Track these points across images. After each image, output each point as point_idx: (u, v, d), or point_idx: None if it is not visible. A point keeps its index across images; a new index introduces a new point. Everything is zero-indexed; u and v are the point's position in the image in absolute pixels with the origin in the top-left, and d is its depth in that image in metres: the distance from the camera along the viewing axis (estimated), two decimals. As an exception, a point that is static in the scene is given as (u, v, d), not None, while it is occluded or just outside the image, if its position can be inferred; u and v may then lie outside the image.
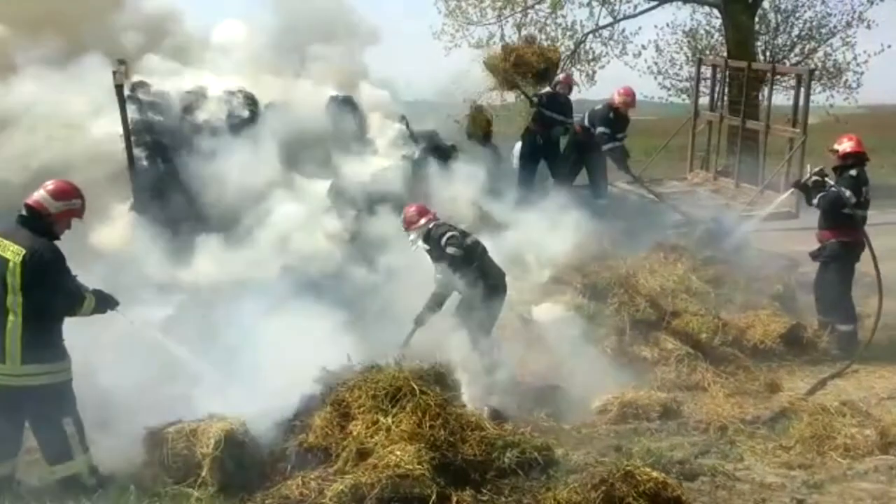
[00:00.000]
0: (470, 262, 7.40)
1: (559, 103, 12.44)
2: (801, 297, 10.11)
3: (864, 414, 6.97)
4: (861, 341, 8.76)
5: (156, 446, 5.75)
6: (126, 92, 9.52)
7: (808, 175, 9.04)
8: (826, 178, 8.94)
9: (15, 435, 5.64)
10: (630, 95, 11.94)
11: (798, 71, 14.63)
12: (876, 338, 8.85)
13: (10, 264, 5.40)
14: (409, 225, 7.71)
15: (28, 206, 5.58)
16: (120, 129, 9.24)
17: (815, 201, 8.99)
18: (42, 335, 5.50)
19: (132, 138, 9.32)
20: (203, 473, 5.53)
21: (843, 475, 5.80)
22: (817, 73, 19.88)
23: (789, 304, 9.76)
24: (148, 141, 9.66)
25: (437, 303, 7.58)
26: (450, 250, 7.33)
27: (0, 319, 5.43)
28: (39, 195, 5.61)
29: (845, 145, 8.97)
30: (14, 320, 5.41)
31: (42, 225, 5.57)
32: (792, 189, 9.68)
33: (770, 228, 12.55)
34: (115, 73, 9.93)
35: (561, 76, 13.14)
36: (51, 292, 5.48)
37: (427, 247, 7.55)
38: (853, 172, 8.91)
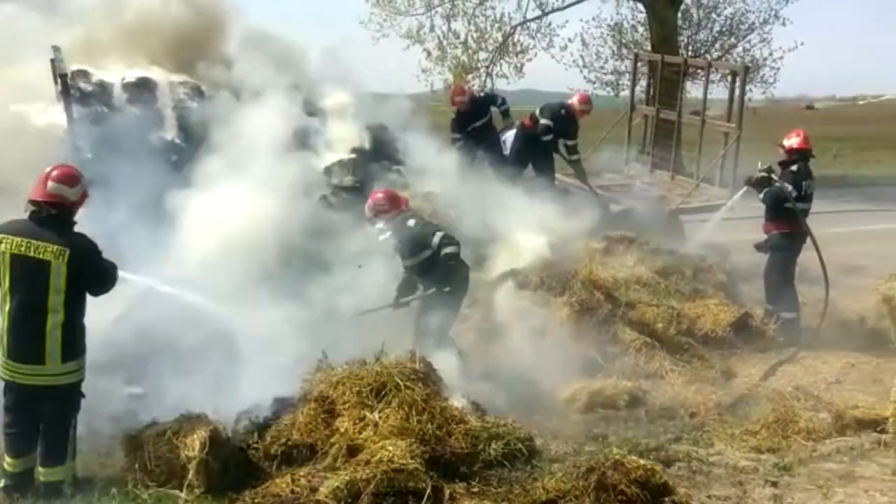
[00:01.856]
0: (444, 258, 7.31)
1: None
2: (740, 286, 10.57)
3: (816, 398, 7.36)
4: (805, 328, 9.17)
5: (136, 449, 5.62)
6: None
7: (761, 169, 9.40)
8: (772, 175, 9.30)
9: (36, 430, 5.54)
10: (590, 104, 12.42)
11: (734, 67, 15.15)
12: (817, 324, 9.32)
13: (53, 265, 5.26)
14: (377, 213, 7.36)
15: (47, 202, 5.36)
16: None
17: (760, 196, 9.38)
18: (77, 330, 5.46)
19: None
20: (189, 476, 5.42)
21: (810, 457, 6.08)
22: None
23: (732, 293, 10.15)
24: (92, 132, 9.29)
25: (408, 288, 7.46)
26: (448, 250, 7.20)
27: (39, 322, 5.29)
28: (54, 187, 5.38)
29: (792, 141, 9.39)
30: (54, 319, 5.30)
31: (66, 216, 5.43)
32: (746, 187, 9.98)
33: (699, 220, 13.07)
34: (53, 61, 9.56)
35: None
36: (99, 280, 5.49)
37: (394, 240, 7.31)
38: (794, 168, 9.33)
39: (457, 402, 6.40)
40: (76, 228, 5.51)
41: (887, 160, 27.59)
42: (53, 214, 5.36)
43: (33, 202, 5.38)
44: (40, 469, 5.50)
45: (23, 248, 5.27)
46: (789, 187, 9.18)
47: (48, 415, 5.48)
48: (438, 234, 7.27)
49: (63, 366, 5.38)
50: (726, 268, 10.77)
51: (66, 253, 5.27)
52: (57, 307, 5.31)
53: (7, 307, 5.33)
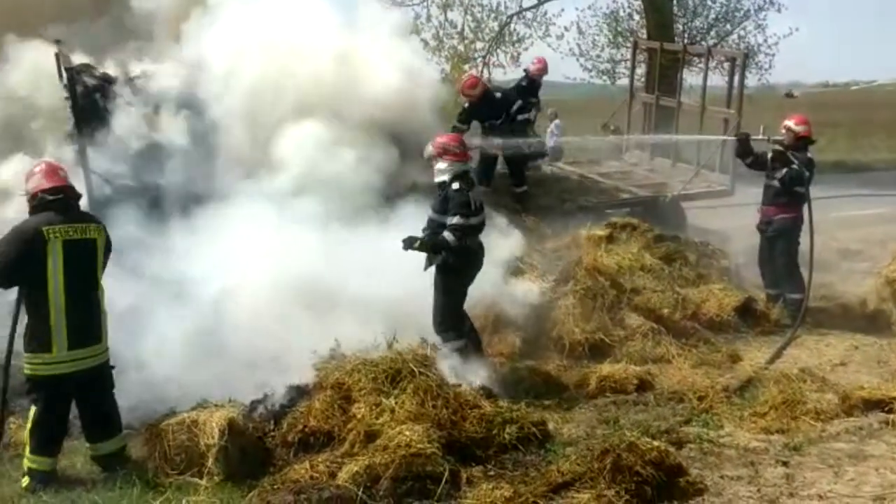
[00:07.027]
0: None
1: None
2: (742, 272, 10.68)
3: (822, 380, 7.42)
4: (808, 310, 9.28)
5: (155, 439, 5.69)
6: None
7: (763, 137, 9.40)
8: (788, 154, 9.30)
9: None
10: (543, 63, 12.67)
11: (733, 54, 15.18)
12: (819, 308, 9.45)
13: (98, 242, 5.54)
14: (444, 153, 7.03)
15: (69, 188, 5.59)
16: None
17: (778, 175, 9.33)
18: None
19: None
20: (209, 464, 5.50)
21: (819, 437, 6.15)
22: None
23: (735, 278, 10.26)
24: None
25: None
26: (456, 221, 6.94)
27: (95, 302, 5.52)
28: (66, 175, 5.65)
29: (800, 128, 9.40)
30: (102, 296, 5.57)
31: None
32: (735, 135, 10.01)
33: (695, 206, 13.23)
34: (57, 55, 9.52)
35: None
36: (106, 262, 5.78)
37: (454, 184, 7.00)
38: (810, 155, 9.46)
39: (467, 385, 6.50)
40: None
41: (882, 145, 27.75)
42: (76, 199, 5.62)
43: (56, 189, 5.48)
44: (103, 444, 5.72)
45: (71, 233, 5.42)
46: (807, 172, 9.29)
47: (100, 392, 5.69)
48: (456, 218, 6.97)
49: (106, 341, 5.65)
50: (728, 253, 10.88)
51: (102, 229, 5.62)
52: (101, 284, 5.59)
53: (63, 299, 5.36)
